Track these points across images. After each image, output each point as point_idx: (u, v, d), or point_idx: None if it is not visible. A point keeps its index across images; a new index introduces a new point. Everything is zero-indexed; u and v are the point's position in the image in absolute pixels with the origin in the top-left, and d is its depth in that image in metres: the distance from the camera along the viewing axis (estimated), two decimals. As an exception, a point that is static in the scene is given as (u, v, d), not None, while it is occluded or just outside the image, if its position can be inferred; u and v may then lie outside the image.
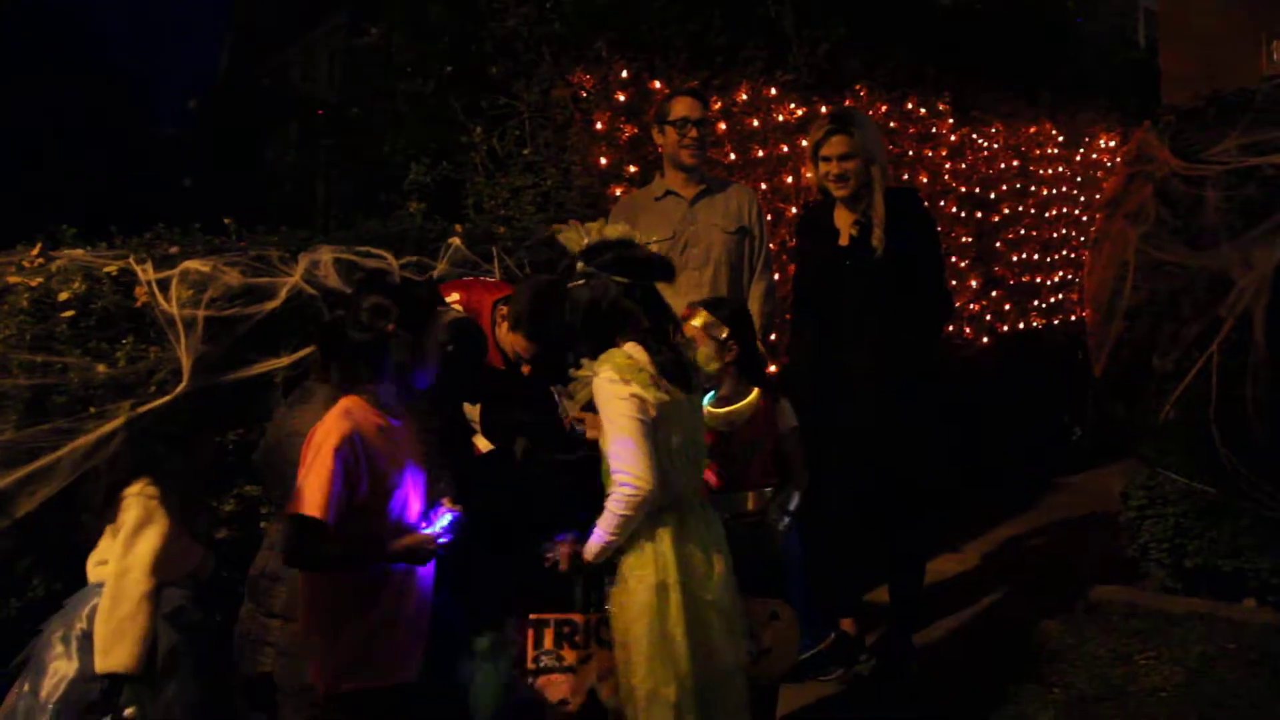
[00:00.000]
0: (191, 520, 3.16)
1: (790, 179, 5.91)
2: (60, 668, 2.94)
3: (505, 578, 3.27)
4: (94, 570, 3.10)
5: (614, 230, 3.22)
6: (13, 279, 3.55)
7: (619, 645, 3.06)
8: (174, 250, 3.86)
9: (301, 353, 3.73)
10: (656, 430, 3.01)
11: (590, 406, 3.12)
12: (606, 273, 3.11)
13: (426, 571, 2.84)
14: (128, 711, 2.87)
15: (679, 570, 3.04)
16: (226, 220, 4.24)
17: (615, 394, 2.99)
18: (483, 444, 3.91)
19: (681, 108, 4.49)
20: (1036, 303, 7.91)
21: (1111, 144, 8.70)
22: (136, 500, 3.03)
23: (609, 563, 3.09)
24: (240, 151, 7.55)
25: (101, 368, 3.52)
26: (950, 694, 4.25)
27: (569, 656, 3.22)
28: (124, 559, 2.98)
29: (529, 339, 3.61)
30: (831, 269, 4.34)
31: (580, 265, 3.15)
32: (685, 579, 3.05)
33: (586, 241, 3.18)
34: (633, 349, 3.06)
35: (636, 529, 3.04)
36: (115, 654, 2.88)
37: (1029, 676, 4.28)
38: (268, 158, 7.31)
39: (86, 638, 2.94)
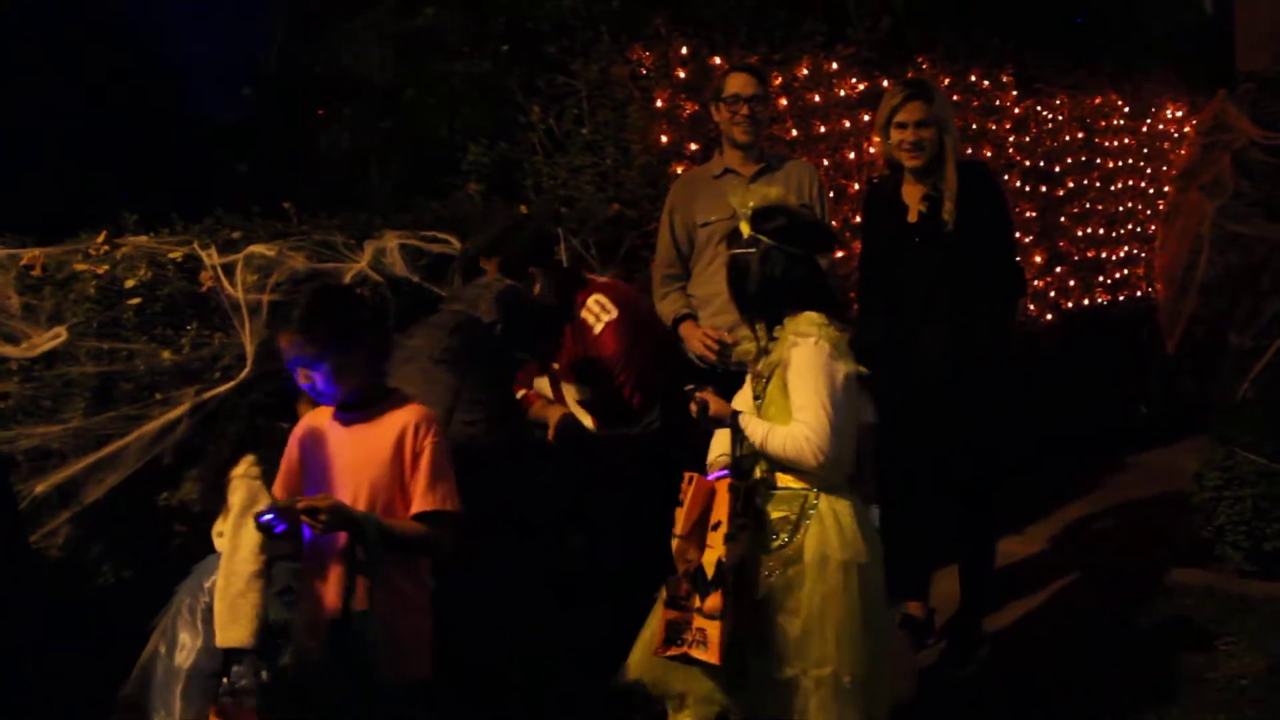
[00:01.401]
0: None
1: (852, 154, 5.81)
2: (187, 640, 3.04)
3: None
4: (216, 540, 3.15)
5: (775, 193, 3.15)
6: (79, 267, 3.56)
7: (785, 620, 2.96)
8: (237, 235, 3.85)
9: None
10: (846, 406, 2.99)
11: (773, 367, 3.05)
12: (777, 240, 3.04)
13: None
14: (243, 682, 2.93)
15: (868, 549, 3.00)
16: (286, 205, 4.22)
17: (823, 362, 2.96)
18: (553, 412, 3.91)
19: (734, 84, 4.40)
20: (1102, 278, 7.73)
21: (1179, 114, 8.48)
22: (242, 482, 3.07)
23: (761, 522, 3.01)
24: (295, 137, 7.55)
25: (167, 354, 3.53)
26: (1021, 680, 4.17)
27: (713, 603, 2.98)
28: (234, 538, 3.02)
29: None
30: (901, 245, 4.24)
31: (746, 229, 3.08)
32: (869, 560, 2.99)
33: (754, 204, 3.09)
34: (824, 318, 3.02)
35: (817, 503, 3.00)
36: (231, 630, 2.95)
37: (1103, 663, 4.19)
38: (322, 143, 7.30)
39: (209, 610, 3.01)
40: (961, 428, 4.17)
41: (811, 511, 3.00)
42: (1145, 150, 8.19)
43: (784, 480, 3.05)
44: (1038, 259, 7.06)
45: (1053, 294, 7.24)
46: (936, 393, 4.14)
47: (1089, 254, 7.62)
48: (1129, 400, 7.80)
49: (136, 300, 3.55)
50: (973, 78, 6.68)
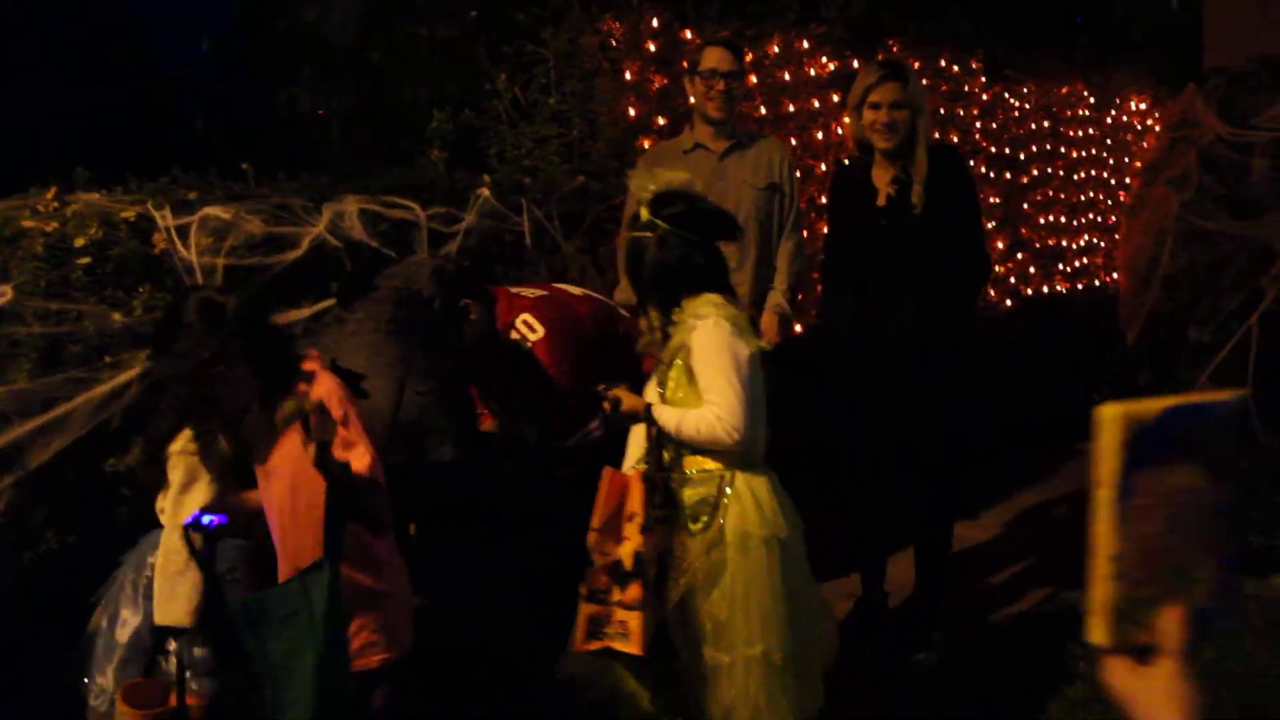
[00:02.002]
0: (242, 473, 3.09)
1: (820, 135, 5.77)
2: (128, 615, 3.00)
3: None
4: (159, 515, 3.09)
5: (679, 178, 3.10)
6: (27, 223, 3.44)
7: (708, 603, 2.93)
8: (193, 196, 3.75)
9: (323, 304, 3.65)
10: (753, 382, 2.97)
11: (674, 353, 3.03)
12: (674, 225, 3.00)
13: None
14: (174, 659, 2.91)
15: (788, 524, 2.99)
16: (245, 166, 4.12)
17: (725, 341, 2.94)
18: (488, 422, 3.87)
19: (710, 59, 4.35)
20: (1062, 266, 7.78)
21: (1142, 106, 8.52)
22: (180, 458, 2.99)
23: (675, 508, 2.98)
24: (255, 97, 7.39)
25: (117, 316, 3.43)
26: (976, 663, 4.19)
27: (632, 594, 2.98)
28: (173, 516, 2.97)
29: None
30: (868, 227, 4.21)
31: (645, 213, 3.03)
32: (789, 535, 2.99)
33: (655, 189, 3.04)
34: (721, 298, 3.00)
35: (734, 481, 2.98)
36: (169, 608, 2.92)
37: (1053, 646, 4.21)
38: (283, 103, 7.15)
39: (150, 586, 2.97)
40: (929, 410, 4.16)
41: (729, 491, 2.98)
42: (1109, 141, 8.23)
43: (700, 463, 3.02)
44: (1000, 245, 7.07)
45: (1013, 280, 7.27)
46: (903, 374, 4.12)
47: (1050, 241, 7.65)
48: (1086, 389, 7.85)
49: (86, 260, 3.44)
50: (942, 62, 6.66)
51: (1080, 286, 7.93)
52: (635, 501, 2.99)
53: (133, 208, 3.58)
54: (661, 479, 2.99)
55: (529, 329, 3.83)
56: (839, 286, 4.36)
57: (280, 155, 4.59)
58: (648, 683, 3.04)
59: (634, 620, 2.91)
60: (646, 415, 3.04)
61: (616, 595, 2.94)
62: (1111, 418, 1.17)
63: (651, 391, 3.12)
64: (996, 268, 7.08)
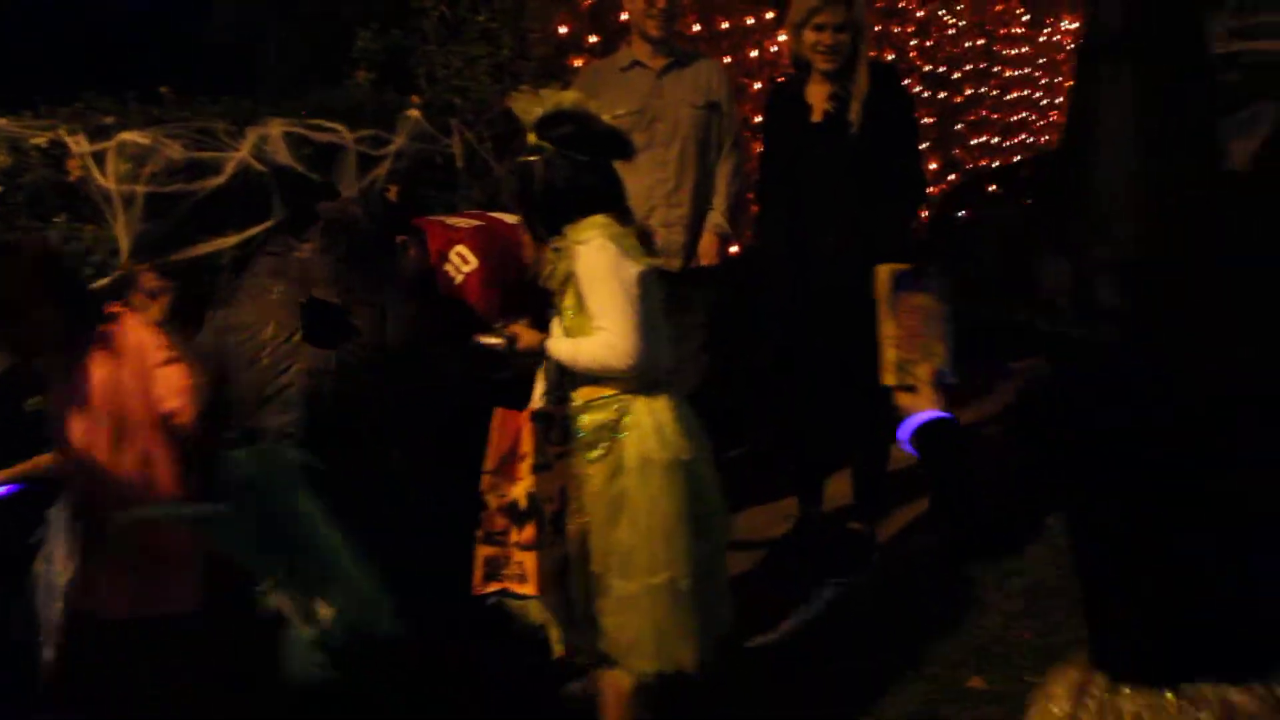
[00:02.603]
0: None
1: (755, 52, 5.70)
2: (63, 556, 2.92)
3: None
4: None
5: (570, 98, 2.99)
6: (-70, 150, 3.30)
7: (611, 533, 2.87)
8: (109, 120, 3.60)
9: (250, 232, 3.53)
10: (644, 302, 2.87)
11: (568, 279, 2.92)
12: (563, 147, 2.89)
13: None
14: None
15: (691, 446, 2.90)
16: (163, 89, 3.97)
17: (608, 262, 2.83)
18: None
19: None
20: (994, 188, 7.82)
21: (1074, 26, 8.53)
22: None
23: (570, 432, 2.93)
24: (175, 13, 7.12)
25: (32, 247, 3.31)
26: (910, 582, 4.25)
27: (527, 534, 2.99)
28: None
29: None
30: (802, 145, 4.17)
31: (533, 137, 2.92)
32: (692, 456, 2.90)
33: (541, 111, 2.94)
34: (606, 219, 2.89)
35: (633, 406, 2.88)
36: None
37: (991, 566, 4.27)
38: (205, 21, 6.90)
39: None
40: (865, 329, 4.15)
41: (628, 418, 2.89)
42: (1041, 60, 8.24)
43: (598, 391, 2.92)
44: (933, 166, 7.08)
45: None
46: (839, 294, 4.09)
47: (982, 162, 7.68)
48: (1017, 306, 7.94)
49: (-4, 188, 3.31)
50: (878, -22, 6.60)
51: (1013, 206, 7.99)
52: (527, 441, 2.96)
53: (44, 134, 3.44)
54: (558, 414, 2.92)
55: (462, 260, 3.76)
56: (774, 206, 4.33)
57: (202, 79, 4.43)
58: (560, 621, 3.00)
59: (530, 561, 2.90)
60: (542, 349, 2.96)
61: (514, 536, 2.93)
62: (884, 270, 2.06)
63: (556, 326, 3.03)
64: (930, 189, 7.09)
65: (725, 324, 4.56)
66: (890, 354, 2.01)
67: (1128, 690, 1.66)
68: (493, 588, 2.95)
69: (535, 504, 2.89)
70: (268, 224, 3.45)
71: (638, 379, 2.89)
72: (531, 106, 2.94)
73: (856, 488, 4.52)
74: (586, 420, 2.92)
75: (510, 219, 3.99)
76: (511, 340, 3.01)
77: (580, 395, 2.94)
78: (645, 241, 2.98)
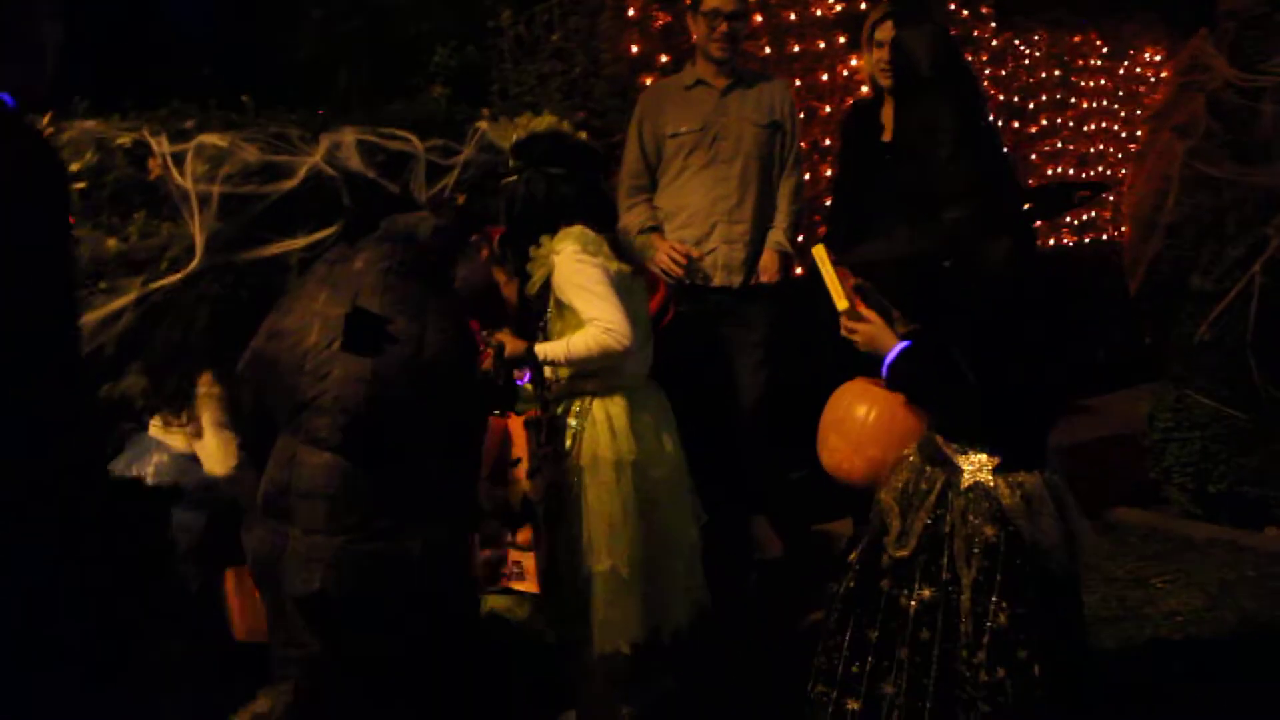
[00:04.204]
0: None
1: (826, 76, 5.71)
2: None
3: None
4: (152, 429, 3.22)
5: (542, 123, 3.27)
6: (23, 148, 3.42)
7: (569, 523, 3.12)
8: (190, 125, 3.72)
9: (318, 235, 3.62)
10: (624, 298, 3.12)
11: (543, 291, 3.18)
12: (540, 164, 3.17)
13: None
14: None
15: (636, 447, 3.14)
16: (244, 98, 4.09)
17: (584, 264, 3.07)
18: None
19: None
20: (1069, 219, 7.71)
21: (1157, 58, 8.41)
22: (205, 400, 3.05)
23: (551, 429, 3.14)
24: (260, 34, 7.32)
25: (112, 242, 3.42)
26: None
27: (523, 536, 3.25)
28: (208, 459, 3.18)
29: None
30: (873, 164, 4.19)
31: (513, 162, 3.22)
32: (641, 457, 3.14)
33: (516, 136, 3.24)
34: (581, 228, 3.12)
35: (590, 407, 3.16)
36: None
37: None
38: (287, 40, 7.09)
39: None
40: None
41: (585, 417, 3.17)
42: (1121, 93, 8.13)
43: (574, 390, 3.21)
44: (1006, 195, 7.00)
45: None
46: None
47: (1058, 194, 7.58)
48: (1088, 344, 7.81)
49: (82, 185, 3.43)
50: (952, 6, 6.58)
51: (1087, 240, 7.87)
52: (519, 445, 3.18)
53: (129, 134, 3.56)
54: (546, 419, 3.13)
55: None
56: (841, 224, 4.34)
57: (283, 91, 4.56)
58: (548, 615, 3.27)
59: (528, 560, 3.15)
60: (529, 356, 3.14)
61: (509, 538, 3.18)
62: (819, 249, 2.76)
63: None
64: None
65: (786, 342, 4.55)
66: (834, 290, 2.69)
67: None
68: (496, 587, 3.19)
69: (529, 507, 3.12)
70: (333, 229, 3.55)
71: (620, 374, 3.17)
72: (509, 133, 3.29)
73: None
74: (568, 422, 3.19)
75: None
76: (499, 348, 3.17)
77: (560, 399, 3.20)
78: (616, 247, 3.21)
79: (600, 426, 3.15)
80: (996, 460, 2.48)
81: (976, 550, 2.43)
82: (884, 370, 2.55)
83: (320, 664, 2.75)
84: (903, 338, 2.58)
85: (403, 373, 2.71)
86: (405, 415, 2.72)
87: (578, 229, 3.13)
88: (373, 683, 2.75)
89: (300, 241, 3.60)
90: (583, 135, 3.42)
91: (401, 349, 2.73)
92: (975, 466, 2.49)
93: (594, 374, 3.19)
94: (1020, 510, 2.44)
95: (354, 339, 2.69)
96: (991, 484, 2.47)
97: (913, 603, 2.48)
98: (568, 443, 3.16)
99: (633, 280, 3.23)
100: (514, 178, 3.23)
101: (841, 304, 2.66)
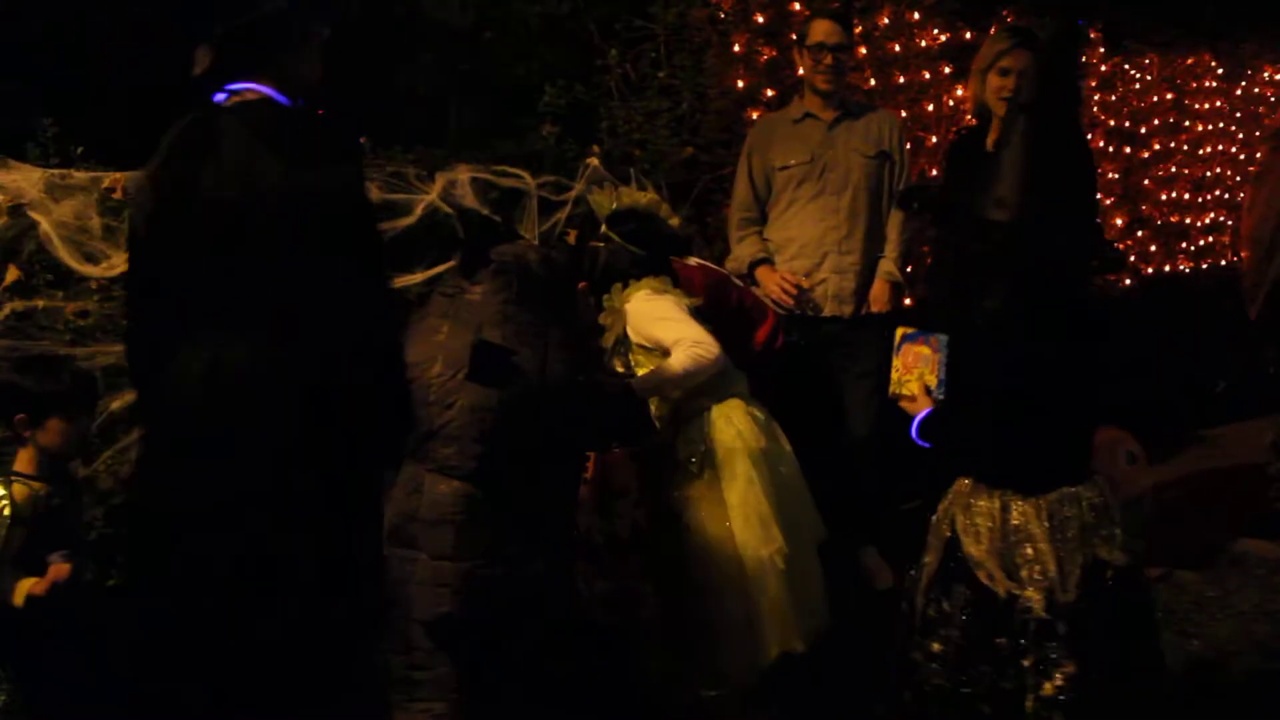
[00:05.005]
0: None
1: (931, 107, 5.70)
2: None
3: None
4: None
5: (641, 199, 3.48)
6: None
7: (715, 534, 3.19)
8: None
9: (436, 270, 3.73)
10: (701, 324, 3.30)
11: (620, 342, 3.37)
12: (627, 240, 3.39)
13: None
14: None
15: (766, 438, 3.31)
16: (362, 140, 4.23)
17: (655, 300, 3.30)
18: None
19: (818, 32, 4.34)
20: (1185, 245, 7.54)
21: (1277, 77, 8.20)
22: None
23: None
24: (372, 77, 7.57)
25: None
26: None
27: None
28: None
29: None
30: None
31: (604, 228, 3.43)
32: (770, 449, 3.31)
33: (614, 206, 3.44)
34: (650, 279, 3.38)
35: (707, 418, 3.30)
36: None
37: (1168, 625, 4.12)
38: (399, 83, 7.32)
39: None
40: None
41: (709, 427, 3.29)
42: (1238, 114, 7.94)
43: (682, 412, 3.35)
44: (1119, 221, 6.90)
45: (1133, 258, 7.08)
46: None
47: (1173, 219, 7.43)
48: (1208, 374, 7.59)
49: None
50: (1060, 33, 6.51)
51: (1204, 266, 7.68)
52: (624, 478, 3.35)
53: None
54: (646, 452, 3.31)
55: None
56: (943, 257, 4.32)
57: (398, 132, 4.71)
58: (669, 647, 3.31)
59: (645, 587, 3.28)
60: (626, 392, 3.22)
61: (621, 569, 3.28)
62: (899, 329, 2.86)
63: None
64: (1116, 245, 6.90)
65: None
66: (894, 377, 2.83)
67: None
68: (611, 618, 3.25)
69: (637, 537, 3.26)
70: (449, 264, 3.65)
71: (711, 391, 3.31)
72: (607, 201, 3.48)
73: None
74: (680, 445, 3.32)
75: (690, 261, 4.13)
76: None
77: (673, 424, 3.34)
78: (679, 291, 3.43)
79: (723, 429, 3.27)
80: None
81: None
82: (913, 433, 2.76)
83: (449, 684, 2.81)
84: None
85: (528, 401, 2.78)
86: (530, 443, 2.79)
87: (646, 280, 3.37)
88: (488, 708, 2.82)
89: (419, 276, 3.71)
90: (675, 221, 3.61)
91: (525, 379, 2.80)
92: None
93: (700, 393, 3.30)
94: None
95: (480, 370, 2.78)
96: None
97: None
98: (692, 460, 3.25)
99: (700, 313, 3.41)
100: (601, 244, 3.43)
101: (892, 388, 2.86)
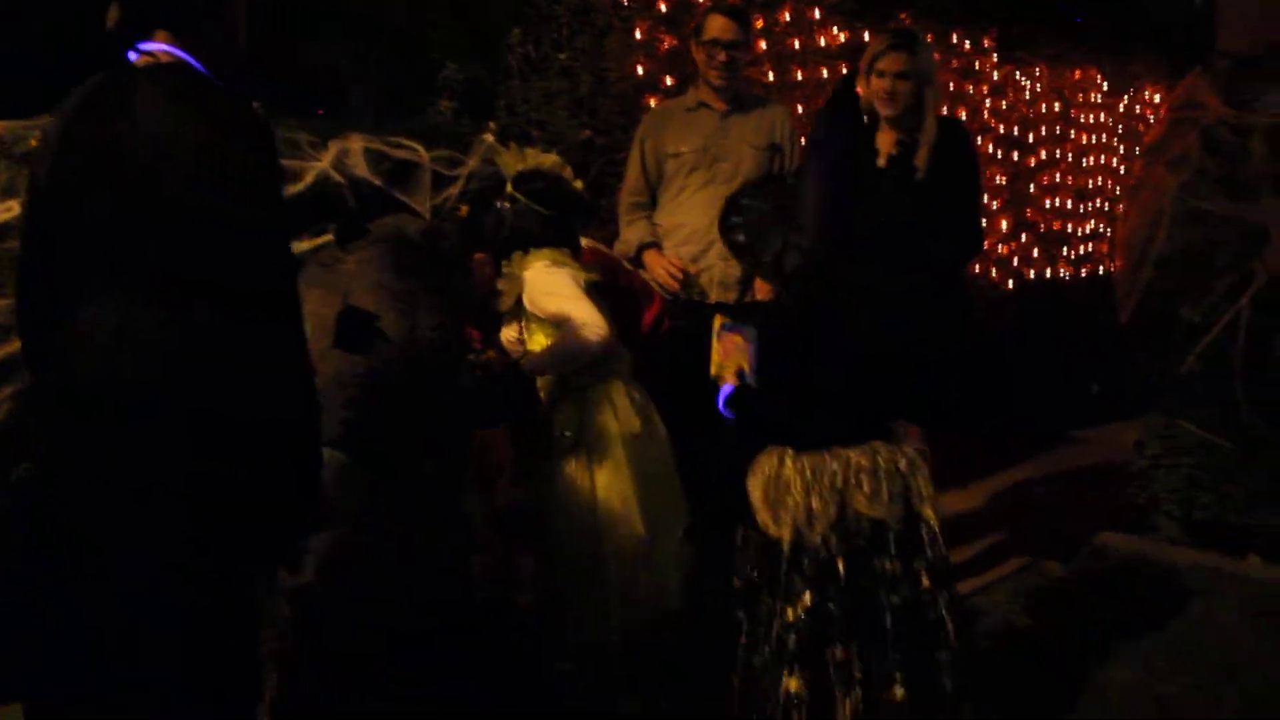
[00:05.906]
0: None
1: (827, 104, 5.81)
2: None
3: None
4: None
5: (547, 161, 3.51)
6: (35, 143, 3.50)
7: (575, 516, 3.28)
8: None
9: (320, 240, 3.70)
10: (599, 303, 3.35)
11: (518, 306, 3.38)
12: (533, 201, 3.41)
13: None
14: None
15: (638, 423, 3.38)
16: (255, 105, 4.17)
17: (553, 273, 3.33)
18: None
19: (713, 28, 4.39)
20: (1066, 251, 7.81)
21: (1156, 97, 8.53)
22: None
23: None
24: (273, 56, 7.41)
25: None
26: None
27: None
28: None
29: None
30: (867, 189, 4.26)
31: (510, 188, 3.45)
32: (642, 433, 3.39)
33: (520, 167, 3.47)
34: (552, 250, 3.42)
35: (588, 396, 3.37)
36: None
37: (1026, 612, 4.28)
38: (300, 57, 7.19)
39: None
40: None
41: (587, 404, 3.36)
42: (1120, 129, 8.24)
43: (562, 388, 3.40)
44: (1003, 225, 7.11)
45: (1015, 262, 7.31)
46: (885, 334, 4.15)
47: (1055, 225, 7.68)
48: (1083, 377, 7.86)
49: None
50: (954, 38, 6.69)
51: (1083, 273, 7.96)
52: (501, 452, 3.44)
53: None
54: (525, 427, 3.38)
55: None
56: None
57: (293, 100, 4.65)
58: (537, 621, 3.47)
59: (524, 562, 3.45)
60: (511, 369, 3.33)
61: (500, 544, 3.44)
62: (717, 318, 3.13)
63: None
64: (1000, 247, 7.12)
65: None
66: (714, 359, 3.06)
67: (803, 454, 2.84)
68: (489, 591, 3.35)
69: (514, 511, 3.35)
70: (328, 235, 3.63)
71: (596, 369, 3.37)
72: (514, 161, 3.50)
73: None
74: (556, 416, 3.36)
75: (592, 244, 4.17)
76: (487, 365, 3.38)
77: (553, 401, 3.39)
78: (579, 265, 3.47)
79: (601, 408, 3.35)
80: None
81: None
82: (720, 405, 3.01)
83: (298, 658, 2.80)
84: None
85: (394, 367, 2.78)
86: (399, 409, 2.79)
87: (549, 251, 3.40)
88: (353, 680, 2.81)
89: (305, 245, 3.68)
90: (579, 184, 3.63)
91: (391, 345, 2.80)
92: None
93: (583, 371, 3.35)
94: None
95: (345, 336, 2.78)
96: None
97: None
98: (566, 433, 3.32)
99: (598, 289, 3.46)
100: (507, 204, 3.46)
101: (713, 369, 3.08)
